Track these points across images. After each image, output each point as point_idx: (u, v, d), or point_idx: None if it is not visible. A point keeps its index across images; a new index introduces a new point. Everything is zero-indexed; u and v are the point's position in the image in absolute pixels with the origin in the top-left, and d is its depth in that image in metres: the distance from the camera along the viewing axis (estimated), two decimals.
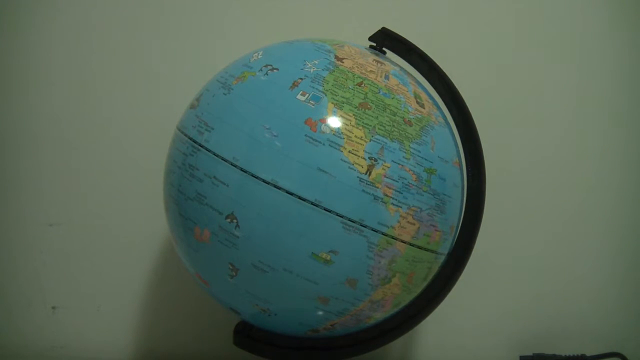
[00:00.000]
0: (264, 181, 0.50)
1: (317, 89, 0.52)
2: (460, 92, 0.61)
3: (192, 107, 0.57)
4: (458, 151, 0.59)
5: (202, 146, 0.53)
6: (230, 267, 0.52)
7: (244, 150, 0.51)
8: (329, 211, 0.50)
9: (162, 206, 0.60)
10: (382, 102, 0.53)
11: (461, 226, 0.60)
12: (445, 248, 0.57)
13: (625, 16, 0.79)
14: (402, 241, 0.52)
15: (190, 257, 0.57)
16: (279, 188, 0.50)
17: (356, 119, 0.51)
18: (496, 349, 0.79)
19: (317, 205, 0.49)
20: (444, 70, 0.61)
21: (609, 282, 0.79)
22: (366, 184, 0.50)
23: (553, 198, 0.79)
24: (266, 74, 0.54)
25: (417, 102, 0.55)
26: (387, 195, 0.51)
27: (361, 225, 0.50)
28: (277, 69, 0.54)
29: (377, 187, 0.50)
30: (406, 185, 0.51)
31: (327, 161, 0.50)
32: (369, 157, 0.50)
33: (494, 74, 0.78)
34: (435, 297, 0.60)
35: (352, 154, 0.50)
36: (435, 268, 0.58)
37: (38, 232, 0.78)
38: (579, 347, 0.75)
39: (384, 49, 0.61)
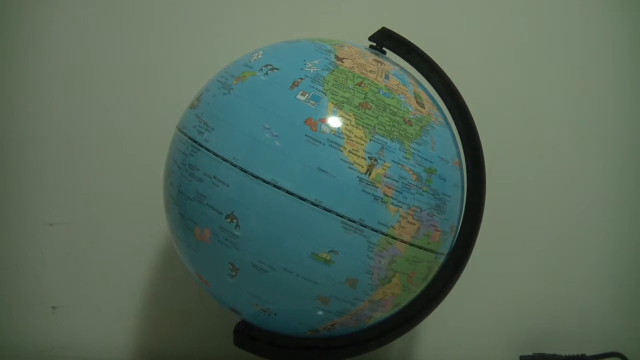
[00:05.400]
0: (264, 181, 0.50)
1: (317, 88, 0.52)
2: (460, 92, 0.61)
3: (192, 107, 0.57)
4: (458, 151, 0.59)
5: (202, 146, 0.53)
6: (230, 267, 0.52)
7: (244, 150, 0.51)
8: (329, 211, 0.50)
9: (162, 206, 0.60)
10: (382, 102, 0.53)
11: (461, 226, 0.60)
12: (445, 248, 0.57)
13: (625, 15, 0.79)
14: (402, 241, 0.52)
15: (190, 257, 0.57)
16: (279, 188, 0.50)
17: (356, 118, 0.51)
18: (496, 349, 0.79)
19: (317, 205, 0.49)
20: (444, 70, 0.61)
21: (609, 282, 0.79)
22: (366, 183, 0.50)
23: (553, 198, 0.79)
24: (266, 73, 0.54)
25: (417, 102, 0.55)
26: (387, 195, 0.51)
27: (361, 225, 0.50)
28: (277, 69, 0.54)
29: (377, 187, 0.50)
30: (406, 185, 0.51)
31: (327, 161, 0.50)
32: (369, 157, 0.50)
33: (494, 74, 0.78)
34: (435, 297, 0.60)
35: (352, 153, 0.50)
36: (435, 268, 0.58)
37: (38, 232, 0.78)
38: (579, 347, 0.75)
39: (384, 49, 0.61)
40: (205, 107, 0.55)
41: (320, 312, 0.53)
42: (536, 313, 0.79)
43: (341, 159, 0.50)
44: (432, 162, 0.54)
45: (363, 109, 0.52)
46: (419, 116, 0.54)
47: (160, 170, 0.60)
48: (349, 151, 0.50)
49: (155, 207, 0.67)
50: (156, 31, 0.78)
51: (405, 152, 0.52)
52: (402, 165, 0.51)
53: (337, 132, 0.50)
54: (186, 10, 0.77)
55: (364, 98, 0.52)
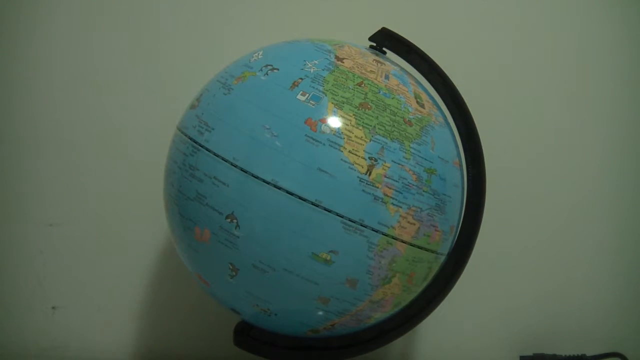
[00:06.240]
0: (264, 181, 0.50)
1: (317, 89, 0.52)
2: (460, 92, 0.61)
3: (192, 107, 0.57)
4: (458, 151, 0.59)
5: (202, 146, 0.53)
6: (231, 267, 0.52)
7: (244, 150, 0.51)
8: (329, 211, 0.50)
9: (162, 206, 0.60)
10: (382, 102, 0.53)
11: (461, 226, 0.60)
12: (445, 248, 0.57)
13: (625, 15, 0.79)
14: (402, 241, 0.52)
15: (190, 257, 0.57)
16: (279, 188, 0.50)
17: (356, 119, 0.51)
18: (496, 349, 0.79)
19: (317, 205, 0.49)
20: (444, 70, 0.61)
21: (609, 282, 0.79)
22: (366, 184, 0.50)
23: (553, 198, 0.79)
24: (266, 74, 0.54)
25: (417, 102, 0.55)
26: (387, 195, 0.51)
27: (361, 225, 0.50)
28: (277, 69, 0.54)
29: (377, 187, 0.50)
30: (406, 185, 0.51)
31: (327, 161, 0.50)
32: (369, 157, 0.50)
33: (494, 74, 0.78)
34: (435, 297, 0.60)
35: (352, 154, 0.50)
36: (436, 268, 0.58)
37: (38, 232, 0.78)
38: (579, 347, 0.75)
39: (384, 49, 0.61)
40: (206, 107, 0.55)
41: (320, 312, 0.53)
42: (536, 313, 0.79)
43: (341, 159, 0.50)
44: (432, 162, 0.54)
45: (363, 109, 0.52)
46: (419, 116, 0.54)
47: (160, 171, 0.60)
48: (349, 151, 0.50)
49: (155, 207, 0.67)
50: (156, 31, 0.78)
51: (406, 152, 0.52)
52: (402, 166, 0.51)
53: (337, 132, 0.50)
54: (186, 10, 0.77)
55: (364, 98, 0.52)
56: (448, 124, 0.59)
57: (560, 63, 0.78)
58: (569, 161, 0.79)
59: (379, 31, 0.61)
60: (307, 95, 0.51)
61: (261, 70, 0.54)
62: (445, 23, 0.78)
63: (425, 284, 0.58)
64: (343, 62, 0.54)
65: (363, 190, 0.50)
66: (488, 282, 0.78)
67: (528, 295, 0.79)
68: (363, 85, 0.53)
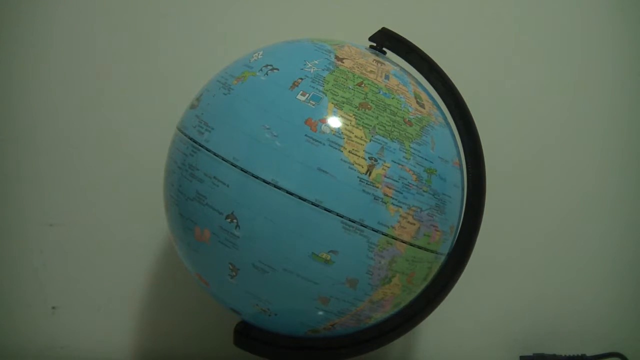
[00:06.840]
0: (264, 181, 0.50)
1: (317, 89, 0.52)
2: (461, 92, 0.61)
3: (192, 107, 0.57)
4: (458, 151, 0.59)
5: (202, 146, 0.53)
6: (230, 267, 0.52)
7: (244, 150, 0.51)
8: (329, 211, 0.50)
9: (162, 206, 0.60)
10: (382, 102, 0.53)
11: (461, 226, 0.60)
12: (445, 248, 0.57)
13: (625, 14, 0.79)
14: (402, 241, 0.52)
15: (190, 257, 0.57)
16: (279, 188, 0.50)
17: (356, 119, 0.51)
18: (496, 349, 0.79)
19: (317, 205, 0.49)
20: (444, 70, 0.61)
21: (609, 282, 0.79)
22: (366, 184, 0.50)
23: (553, 198, 0.79)
24: (266, 74, 0.54)
25: (417, 102, 0.55)
26: (387, 195, 0.51)
27: (361, 225, 0.50)
28: (277, 69, 0.54)
29: (377, 187, 0.50)
30: (406, 185, 0.51)
31: (327, 161, 0.50)
32: (369, 157, 0.50)
33: (494, 74, 0.78)
34: (435, 298, 0.60)
35: (352, 154, 0.50)
36: (436, 268, 0.58)
37: (38, 232, 0.78)
38: (579, 347, 0.75)
39: (384, 49, 0.61)
40: (206, 107, 0.55)
41: (320, 312, 0.53)
42: (536, 313, 0.79)
43: (341, 159, 0.50)
44: (432, 162, 0.54)
45: (363, 109, 0.52)
46: (419, 116, 0.54)
47: (160, 170, 0.60)
48: (349, 151, 0.50)
49: (155, 207, 0.67)
50: (156, 31, 0.78)
51: (406, 152, 0.52)
52: (402, 166, 0.51)
53: (337, 133, 0.50)
54: (186, 10, 0.77)
55: (364, 98, 0.52)
56: (448, 124, 0.59)
57: (560, 63, 0.78)
58: (569, 161, 0.79)
59: (379, 31, 0.61)
60: (307, 95, 0.51)
61: (261, 70, 0.54)
62: (446, 23, 0.78)
63: (425, 284, 0.58)
64: (343, 62, 0.54)
65: (363, 190, 0.50)
66: (488, 282, 0.78)
67: (528, 295, 0.79)
68: (363, 85, 0.53)
